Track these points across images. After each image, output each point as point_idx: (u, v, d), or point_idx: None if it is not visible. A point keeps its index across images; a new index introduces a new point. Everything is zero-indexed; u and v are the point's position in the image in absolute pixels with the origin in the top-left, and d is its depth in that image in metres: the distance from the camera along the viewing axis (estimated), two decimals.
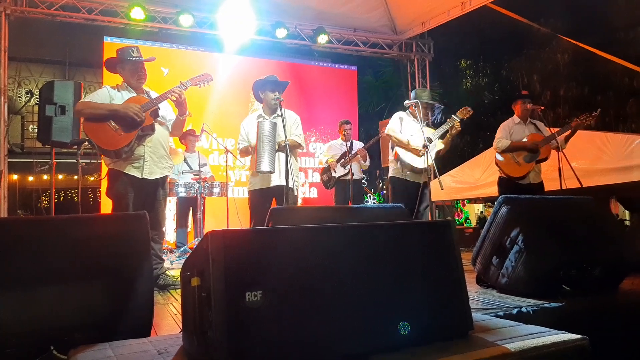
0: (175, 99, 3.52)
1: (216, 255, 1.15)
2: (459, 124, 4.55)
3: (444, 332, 1.37)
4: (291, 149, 4.13)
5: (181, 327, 2.25)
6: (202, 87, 3.79)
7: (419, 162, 4.49)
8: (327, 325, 1.23)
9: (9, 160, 6.63)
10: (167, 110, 3.75)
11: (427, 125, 4.81)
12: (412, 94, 4.86)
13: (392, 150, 4.73)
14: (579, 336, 1.39)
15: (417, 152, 4.51)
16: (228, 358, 1.09)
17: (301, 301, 1.22)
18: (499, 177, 5.11)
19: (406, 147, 4.55)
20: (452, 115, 4.61)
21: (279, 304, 1.18)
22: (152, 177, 3.58)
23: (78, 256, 1.94)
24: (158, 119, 3.59)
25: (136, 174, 3.50)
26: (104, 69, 7.40)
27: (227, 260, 1.15)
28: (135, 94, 3.59)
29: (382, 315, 1.30)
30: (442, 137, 4.64)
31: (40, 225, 2.06)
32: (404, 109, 4.87)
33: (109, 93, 3.56)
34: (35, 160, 6.05)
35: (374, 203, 10.24)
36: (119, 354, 1.39)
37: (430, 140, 4.49)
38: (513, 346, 1.29)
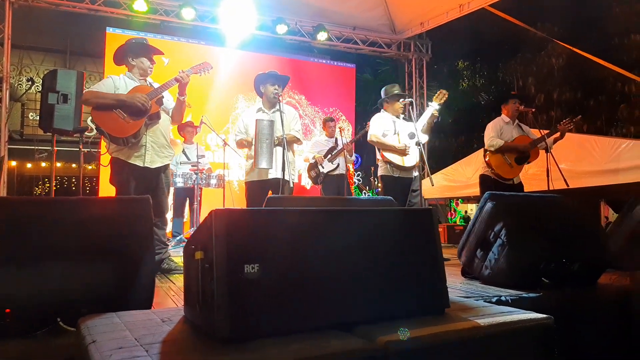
0: (180, 78, 3.63)
1: (219, 230, 1.28)
2: (437, 111, 4.68)
3: (423, 308, 1.51)
4: (289, 143, 4.28)
5: (180, 305, 2.38)
6: (202, 76, 3.90)
7: (408, 161, 4.62)
8: (316, 297, 1.36)
9: (8, 146, 6.73)
10: (169, 100, 3.85)
11: (405, 119, 4.92)
12: (382, 93, 4.96)
13: (379, 151, 4.83)
14: (544, 315, 1.53)
15: (403, 152, 4.62)
16: (228, 322, 1.23)
17: (295, 275, 1.36)
18: (482, 175, 5.15)
19: (392, 148, 4.66)
20: (430, 103, 4.74)
21: (274, 276, 1.32)
22: (154, 166, 3.68)
23: (84, 235, 2.05)
24: (162, 107, 3.70)
25: (138, 162, 3.61)
26: (106, 59, 7.62)
27: (228, 235, 1.28)
28: (139, 83, 3.70)
29: (366, 290, 1.44)
30: (425, 128, 4.73)
31: (48, 205, 2.18)
32: (379, 110, 5.00)
33: (114, 83, 3.67)
34: (35, 147, 6.14)
35: None
36: (126, 321, 1.52)
37: (413, 135, 4.62)
38: (483, 321, 1.43)
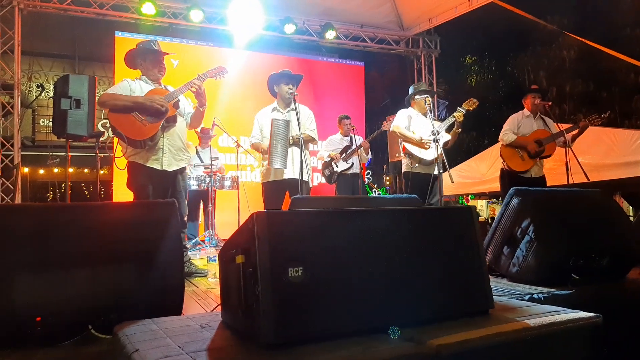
0: (195, 90, 3.61)
1: (261, 233, 1.24)
2: (462, 115, 4.66)
3: (467, 309, 1.47)
4: (305, 143, 4.25)
5: (207, 309, 2.36)
6: (217, 80, 3.89)
7: (427, 154, 4.61)
8: (361, 300, 1.33)
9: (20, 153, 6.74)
10: (185, 103, 3.84)
11: (432, 119, 4.92)
12: (411, 89, 5.01)
13: (401, 145, 4.86)
14: (593, 314, 1.48)
15: (423, 145, 4.63)
16: (274, 327, 1.19)
17: (338, 277, 1.32)
18: (502, 169, 5.19)
19: (412, 140, 4.68)
20: (458, 107, 4.73)
21: (318, 279, 1.28)
22: (171, 169, 3.66)
23: (112, 241, 2.02)
24: (178, 110, 3.68)
25: (155, 166, 3.58)
26: (115, 63, 7.62)
27: (271, 238, 1.25)
28: (154, 87, 3.68)
29: (411, 292, 1.40)
30: (448, 129, 4.75)
31: (75, 211, 2.15)
32: (406, 106, 5.01)
33: (130, 85, 3.65)
34: (50, 153, 6.15)
35: None
36: (164, 328, 1.49)
37: (437, 133, 4.61)
38: (532, 322, 1.39)
